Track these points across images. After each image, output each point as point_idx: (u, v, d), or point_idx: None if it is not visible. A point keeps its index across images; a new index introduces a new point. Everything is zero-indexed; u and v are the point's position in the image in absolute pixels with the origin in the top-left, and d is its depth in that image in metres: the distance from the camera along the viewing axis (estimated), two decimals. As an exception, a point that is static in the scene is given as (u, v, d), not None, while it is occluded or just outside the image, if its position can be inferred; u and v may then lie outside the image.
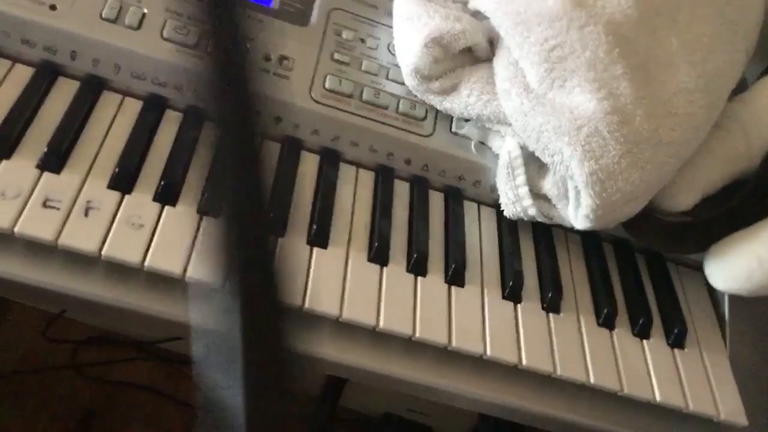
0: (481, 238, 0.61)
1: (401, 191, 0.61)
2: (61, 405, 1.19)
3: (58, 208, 0.48)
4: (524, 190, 0.59)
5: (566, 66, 0.56)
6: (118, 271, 0.49)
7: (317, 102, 0.58)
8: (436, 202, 0.62)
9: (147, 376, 1.26)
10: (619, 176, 0.54)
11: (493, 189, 0.62)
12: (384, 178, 0.61)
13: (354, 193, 0.59)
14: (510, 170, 0.59)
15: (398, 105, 0.61)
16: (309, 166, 0.59)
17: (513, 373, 0.55)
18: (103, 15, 0.55)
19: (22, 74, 0.55)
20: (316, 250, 0.54)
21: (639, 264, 0.65)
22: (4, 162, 0.49)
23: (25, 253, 0.48)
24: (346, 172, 0.60)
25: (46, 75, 0.55)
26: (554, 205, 0.59)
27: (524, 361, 0.53)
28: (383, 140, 0.60)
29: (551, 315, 0.57)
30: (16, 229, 0.46)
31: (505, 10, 0.59)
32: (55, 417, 1.18)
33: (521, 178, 0.59)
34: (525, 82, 0.58)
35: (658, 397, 0.56)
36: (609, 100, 0.55)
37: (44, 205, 0.48)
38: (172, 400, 1.26)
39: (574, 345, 0.56)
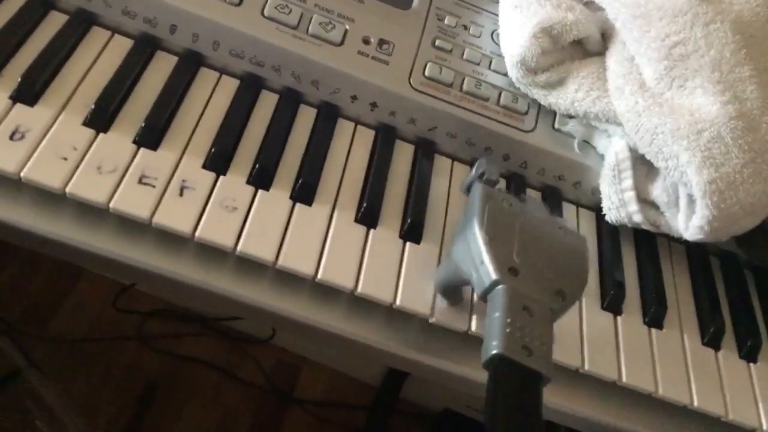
0: (579, 243, 0.57)
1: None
2: (125, 374, 1.21)
3: (154, 186, 0.47)
4: (630, 195, 0.55)
5: (688, 65, 0.52)
6: (209, 252, 0.47)
7: (416, 90, 0.56)
8: (533, 201, 0.58)
9: (210, 353, 1.27)
10: (740, 187, 0.50)
11: (595, 191, 0.58)
12: (480, 173, 0.58)
13: (449, 187, 0.56)
14: (616, 173, 0.56)
15: (500, 97, 0.58)
16: (403, 155, 0.57)
17: (609, 388, 0.51)
18: (205, -11, 0.54)
19: (121, 46, 0.54)
20: (408, 244, 0.51)
21: (747, 280, 0.61)
22: (101, 135, 0.48)
23: (117, 229, 0.47)
24: (440, 164, 0.58)
25: (144, 48, 0.54)
26: (662, 213, 0.55)
27: (624, 378, 0.50)
28: (482, 133, 0.57)
29: (653, 330, 0.54)
30: (111, 205, 0.45)
31: (623, 1, 0.55)
32: (120, 386, 1.20)
33: (628, 182, 0.55)
34: (641, 79, 0.54)
35: (764, 426, 0.52)
36: (734, 103, 0.51)
37: (140, 181, 0.47)
38: (233, 377, 1.26)
39: (677, 364, 0.52)
